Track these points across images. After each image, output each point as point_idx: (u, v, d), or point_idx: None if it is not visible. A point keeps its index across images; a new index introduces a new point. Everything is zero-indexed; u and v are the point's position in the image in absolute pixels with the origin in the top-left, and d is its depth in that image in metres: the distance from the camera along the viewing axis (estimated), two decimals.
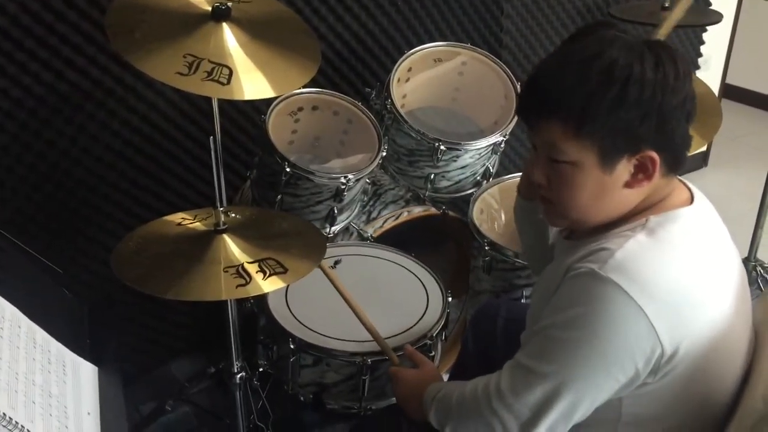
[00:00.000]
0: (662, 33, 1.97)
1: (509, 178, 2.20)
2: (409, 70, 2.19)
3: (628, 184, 1.16)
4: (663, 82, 1.09)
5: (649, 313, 1.08)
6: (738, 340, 1.20)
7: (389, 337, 1.73)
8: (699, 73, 3.30)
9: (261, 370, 1.86)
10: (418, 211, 2.16)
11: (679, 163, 1.18)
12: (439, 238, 2.31)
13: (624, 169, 1.14)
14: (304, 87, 1.85)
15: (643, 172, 1.14)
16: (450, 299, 1.84)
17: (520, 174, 2.18)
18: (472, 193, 2.16)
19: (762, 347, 1.23)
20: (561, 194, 1.19)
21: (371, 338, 1.73)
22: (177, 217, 1.62)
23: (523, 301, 1.91)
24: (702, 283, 1.14)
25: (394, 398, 1.75)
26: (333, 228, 2.04)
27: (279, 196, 1.95)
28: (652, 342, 1.09)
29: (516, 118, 2.12)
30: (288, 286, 1.83)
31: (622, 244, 1.12)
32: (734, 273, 1.22)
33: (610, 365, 1.11)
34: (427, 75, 2.25)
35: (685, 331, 1.11)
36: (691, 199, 1.21)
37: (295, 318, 1.77)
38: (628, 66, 1.08)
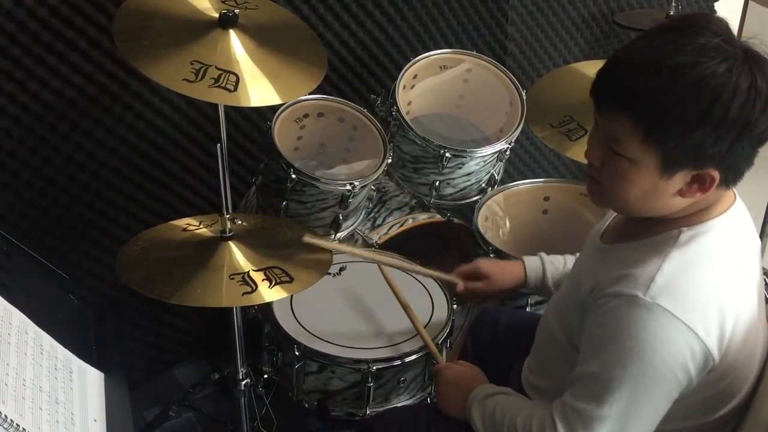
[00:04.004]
0: None
1: (514, 186, 2.19)
2: (415, 77, 2.19)
3: (681, 192, 1.14)
4: (750, 111, 1.05)
5: (699, 332, 1.09)
6: (757, 336, 1.22)
7: (394, 345, 1.73)
8: None
9: (265, 376, 1.85)
10: (422, 218, 2.16)
11: (736, 180, 1.16)
12: (444, 245, 2.31)
13: (681, 178, 1.12)
14: (309, 94, 1.85)
15: (699, 184, 1.12)
16: (455, 306, 1.84)
17: (525, 182, 2.19)
18: (476, 201, 2.16)
19: None
20: (611, 184, 1.17)
21: (376, 345, 1.73)
22: (183, 223, 1.62)
23: (527, 309, 1.90)
24: (737, 288, 1.16)
25: (398, 405, 1.76)
26: (338, 235, 2.03)
27: (284, 203, 1.95)
28: (705, 356, 1.11)
29: (521, 126, 2.12)
30: None
31: (660, 266, 1.12)
32: (757, 273, 1.24)
33: (672, 388, 1.13)
34: (433, 82, 2.25)
35: (728, 337, 1.13)
36: (732, 201, 1.20)
37: (300, 325, 1.77)
38: (721, 86, 1.04)
